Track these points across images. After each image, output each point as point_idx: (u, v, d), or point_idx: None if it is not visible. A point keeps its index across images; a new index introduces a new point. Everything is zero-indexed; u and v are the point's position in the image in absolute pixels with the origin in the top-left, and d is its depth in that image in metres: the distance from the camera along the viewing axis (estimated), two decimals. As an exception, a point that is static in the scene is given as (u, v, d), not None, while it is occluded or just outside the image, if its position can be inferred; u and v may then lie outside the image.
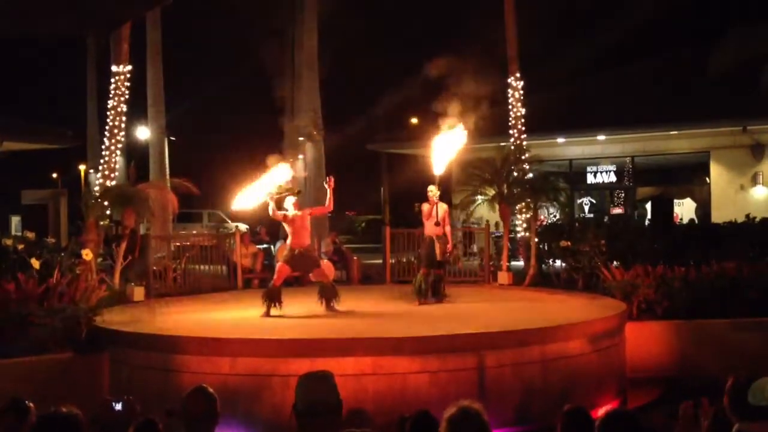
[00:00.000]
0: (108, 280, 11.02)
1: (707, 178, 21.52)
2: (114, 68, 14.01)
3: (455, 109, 10.42)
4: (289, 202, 9.73)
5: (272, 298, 9.42)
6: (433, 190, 10.43)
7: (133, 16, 11.22)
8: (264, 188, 9.60)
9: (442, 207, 10.53)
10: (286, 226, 9.79)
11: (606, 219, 21.75)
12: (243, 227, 22.89)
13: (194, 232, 23.22)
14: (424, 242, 10.64)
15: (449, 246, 10.52)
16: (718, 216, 18.51)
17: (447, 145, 10.35)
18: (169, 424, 4.24)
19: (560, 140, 21.71)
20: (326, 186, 10.01)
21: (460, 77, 11.03)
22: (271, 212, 9.54)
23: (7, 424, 4.00)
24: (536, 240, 13.34)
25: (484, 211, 14.66)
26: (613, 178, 23.36)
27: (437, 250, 10.27)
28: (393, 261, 13.94)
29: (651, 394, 8.93)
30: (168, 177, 20.33)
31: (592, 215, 23.58)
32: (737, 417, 3.54)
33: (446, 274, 11.00)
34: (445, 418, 3.15)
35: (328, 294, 9.69)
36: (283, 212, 9.63)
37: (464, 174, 13.95)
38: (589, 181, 23.73)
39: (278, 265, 9.78)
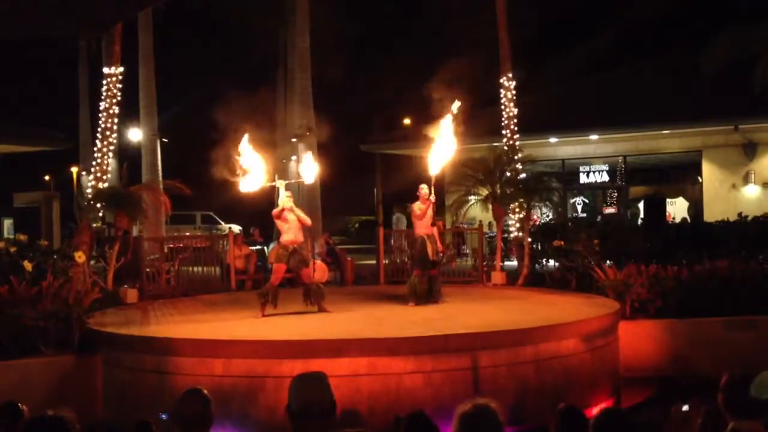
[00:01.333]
0: (101, 282, 10.99)
1: (699, 177, 21.57)
2: (106, 70, 13.95)
3: (448, 109, 10.40)
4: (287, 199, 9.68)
5: (268, 296, 9.40)
6: (425, 189, 10.40)
7: (124, 17, 11.17)
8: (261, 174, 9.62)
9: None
10: (280, 223, 9.73)
11: (599, 218, 21.84)
12: (236, 228, 22.88)
13: (187, 233, 23.20)
14: (414, 242, 10.59)
15: (439, 245, 10.48)
16: (710, 215, 18.58)
17: (443, 145, 10.34)
18: (163, 427, 4.24)
19: (552, 140, 21.74)
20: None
21: (453, 77, 11.02)
22: (278, 208, 9.52)
23: (1, 427, 3.99)
24: (529, 240, 13.36)
25: (477, 211, 14.68)
26: (605, 177, 23.40)
27: (429, 250, 10.24)
28: (387, 262, 13.94)
29: (644, 392, 8.94)
30: (160, 179, 20.28)
31: (584, 215, 23.64)
32: (732, 415, 3.55)
33: (440, 274, 10.97)
34: (458, 414, 3.10)
35: (314, 295, 9.66)
36: (278, 208, 9.56)
37: (457, 174, 13.95)
38: (581, 181, 23.77)
39: (274, 265, 9.75)
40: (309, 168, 10.69)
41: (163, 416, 4.41)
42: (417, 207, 10.44)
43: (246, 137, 9.62)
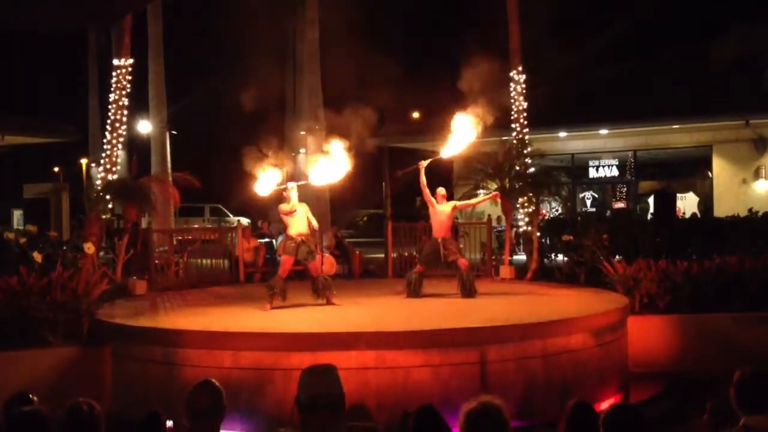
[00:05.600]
0: (110, 273, 11.02)
1: (709, 172, 21.50)
2: (115, 62, 13.98)
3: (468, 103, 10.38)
4: (294, 193, 9.70)
5: (275, 289, 9.41)
6: (443, 190, 10.50)
7: (133, 9, 11.19)
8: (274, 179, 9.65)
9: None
10: (287, 217, 9.73)
11: (608, 213, 21.77)
12: (245, 221, 22.93)
13: (196, 226, 23.26)
14: (428, 241, 10.65)
15: (452, 250, 10.46)
16: (720, 210, 18.52)
17: (462, 133, 10.33)
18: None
19: (562, 134, 21.68)
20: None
21: (463, 70, 10.96)
22: (288, 208, 9.56)
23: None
24: (538, 234, 13.33)
25: (486, 205, 14.66)
26: (615, 172, 23.34)
27: (441, 253, 10.25)
28: (395, 255, 13.93)
29: (653, 388, 8.92)
30: (169, 171, 20.33)
31: (594, 209, 23.58)
32: (744, 410, 3.54)
33: (471, 269, 10.91)
34: (464, 411, 3.10)
35: (322, 288, 9.67)
36: (289, 206, 9.58)
37: (466, 168, 13.93)
38: (591, 176, 23.72)
39: (282, 257, 9.77)
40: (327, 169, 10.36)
41: (169, 423, 4.41)
42: (437, 206, 10.44)
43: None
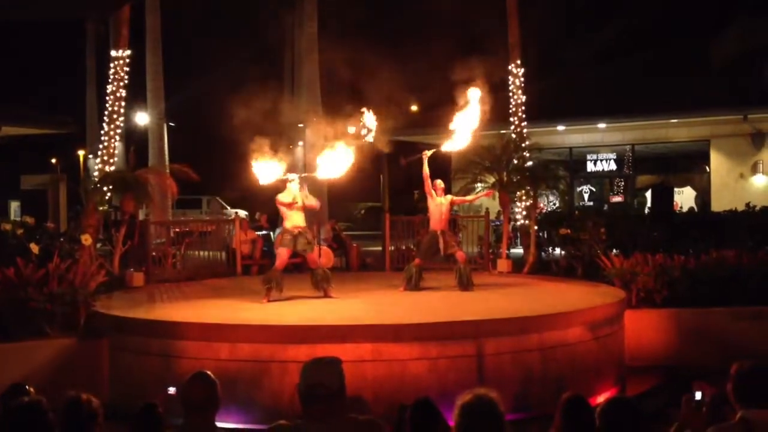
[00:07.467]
0: (107, 265, 11.00)
1: (707, 167, 21.50)
2: (113, 53, 13.94)
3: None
4: (294, 185, 9.69)
5: (272, 281, 9.42)
6: (441, 183, 10.51)
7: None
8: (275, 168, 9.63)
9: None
10: (284, 209, 9.71)
11: (606, 207, 21.79)
12: (242, 214, 22.91)
13: (192, 218, 23.23)
14: (426, 234, 10.67)
15: (451, 243, 10.45)
16: (717, 204, 18.52)
17: (462, 131, 10.34)
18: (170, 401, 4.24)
19: (560, 128, 21.67)
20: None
21: (462, 63, 10.94)
22: (288, 200, 9.54)
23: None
24: (536, 228, 13.34)
25: (484, 198, 14.65)
26: (613, 166, 23.34)
27: (441, 245, 10.26)
28: (392, 248, 13.93)
29: (649, 381, 8.94)
30: (167, 163, 20.30)
31: (591, 203, 23.59)
32: (741, 404, 3.54)
33: (468, 263, 10.88)
34: (459, 404, 3.11)
35: (320, 280, 9.68)
36: (290, 198, 9.56)
37: (464, 161, 13.92)
38: (588, 169, 23.71)
39: (279, 250, 9.76)
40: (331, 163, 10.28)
41: (171, 390, 4.41)
42: (436, 198, 10.45)
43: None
